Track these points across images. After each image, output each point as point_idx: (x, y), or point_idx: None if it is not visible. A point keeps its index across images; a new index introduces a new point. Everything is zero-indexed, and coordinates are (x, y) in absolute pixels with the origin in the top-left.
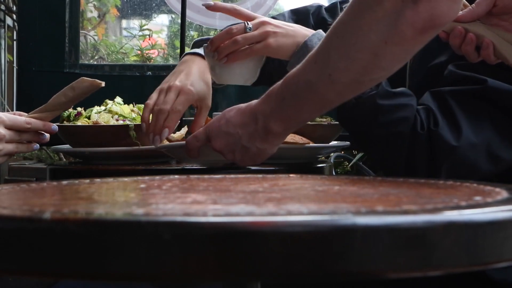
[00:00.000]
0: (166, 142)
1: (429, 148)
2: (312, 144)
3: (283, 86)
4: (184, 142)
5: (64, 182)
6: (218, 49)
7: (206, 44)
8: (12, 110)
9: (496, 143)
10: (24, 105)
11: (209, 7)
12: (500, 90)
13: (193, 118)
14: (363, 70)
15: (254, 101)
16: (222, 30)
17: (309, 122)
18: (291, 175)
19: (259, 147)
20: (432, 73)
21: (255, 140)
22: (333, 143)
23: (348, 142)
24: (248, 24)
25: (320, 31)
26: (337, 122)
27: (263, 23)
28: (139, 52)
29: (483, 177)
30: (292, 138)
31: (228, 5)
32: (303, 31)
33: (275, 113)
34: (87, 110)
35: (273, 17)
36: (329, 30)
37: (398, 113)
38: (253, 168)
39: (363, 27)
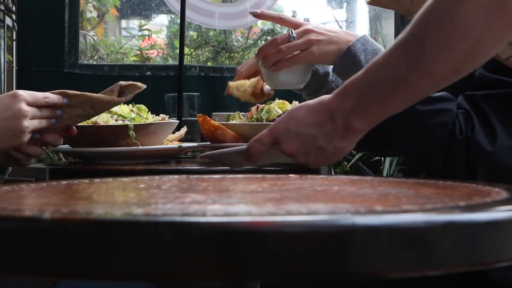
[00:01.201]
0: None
1: (466, 153)
2: None
3: (364, 81)
4: (238, 147)
5: (64, 182)
6: (265, 58)
7: (256, 52)
8: None
9: None
10: None
11: (255, 15)
12: None
13: (192, 118)
14: (465, 59)
15: (326, 97)
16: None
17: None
18: (290, 175)
19: (337, 146)
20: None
21: (333, 139)
22: None
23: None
24: (292, 33)
25: (365, 35)
26: None
27: (307, 31)
28: (138, 52)
29: None
30: None
31: (274, 13)
32: (347, 37)
33: (356, 110)
34: None
35: None
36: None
37: (437, 119)
38: (252, 168)
39: (464, 16)
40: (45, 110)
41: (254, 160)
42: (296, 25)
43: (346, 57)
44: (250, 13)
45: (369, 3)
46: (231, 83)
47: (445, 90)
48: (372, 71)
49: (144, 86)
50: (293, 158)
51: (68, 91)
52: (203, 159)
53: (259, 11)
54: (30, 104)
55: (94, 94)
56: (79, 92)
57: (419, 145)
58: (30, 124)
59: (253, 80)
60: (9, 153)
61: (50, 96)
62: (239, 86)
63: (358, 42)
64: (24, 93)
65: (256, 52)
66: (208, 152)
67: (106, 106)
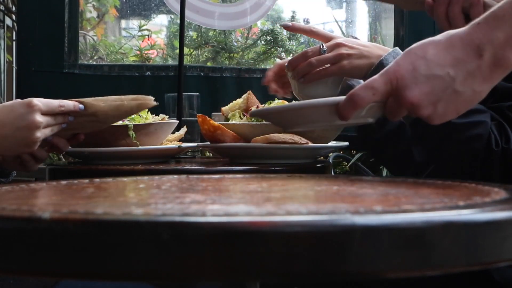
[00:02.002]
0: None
1: (503, 164)
2: (311, 144)
3: None
4: (330, 99)
5: (64, 182)
6: (295, 70)
7: (286, 64)
8: None
9: None
10: None
11: (287, 27)
12: None
13: (192, 118)
14: None
15: (461, 31)
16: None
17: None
18: (290, 175)
19: (476, 90)
20: None
21: (475, 80)
22: (332, 143)
23: (347, 143)
24: (323, 46)
25: (396, 48)
26: None
27: (338, 45)
28: (138, 52)
29: None
30: (291, 138)
31: (305, 26)
32: (378, 51)
33: (510, 41)
34: None
35: None
36: None
37: (472, 131)
38: (251, 168)
39: None
40: (59, 118)
41: (351, 115)
42: (327, 38)
43: (378, 71)
44: (281, 25)
45: None
46: (224, 108)
47: None
48: None
49: (154, 103)
50: (415, 110)
51: (85, 100)
52: (202, 159)
53: (290, 23)
54: (44, 113)
55: (106, 106)
56: (95, 102)
57: (455, 157)
58: (42, 133)
59: (244, 96)
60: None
61: (66, 104)
62: (232, 106)
63: (390, 56)
64: (39, 103)
65: (287, 64)
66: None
67: (116, 118)
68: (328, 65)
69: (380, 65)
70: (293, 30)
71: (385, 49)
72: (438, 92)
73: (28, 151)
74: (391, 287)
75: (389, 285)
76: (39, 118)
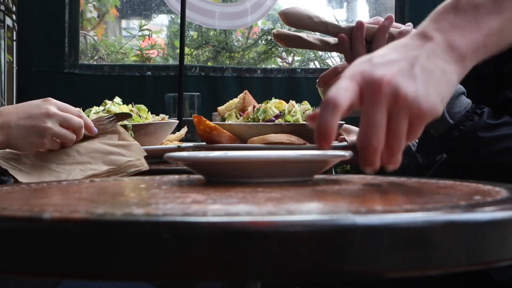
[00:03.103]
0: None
1: None
2: (308, 145)
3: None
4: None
5: (64, 182)
6: (327, 86)
7: (317, 80)
8: None
9: None
10: None
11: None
12: None
13: (191, 118)
14: None
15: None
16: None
17: (305, 122)
18: None
19: (445, 69)
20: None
21: (437, 57)
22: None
23: (346, 143)
24: None
25: None
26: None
27: None
28: (138, 52)
29: None
30: (288, 138)
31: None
32: None
33: (459, 27)
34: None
35: None
36: None
37: (499, 145)
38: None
39: None
40: (73, 123)
41: (327, 146)
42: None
43: None
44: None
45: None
46: (220, 108)
47: (474, 85)
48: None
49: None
50: (395, 92)
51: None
52: None
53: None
54: (60, 109)
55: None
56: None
57: (484, 171)
58: (54, 126)
59: (241, 96)
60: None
61: (84, 116)
62: (229, 106)
63: None
64: (57, 101)
65: (318, 80)
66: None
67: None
68: None
69: None
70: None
71: None
72: (407, 69)
73: (39, 142)
74: (392, 287)
75: (389, 285)
76: (53, 109)
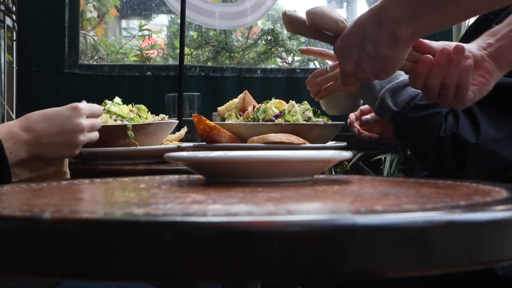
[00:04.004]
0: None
1: (454, 149)
2: (308, 145)
3: None
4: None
5: (64, 182)
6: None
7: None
8: (12, 111)
9: None
10: (23, 106)
11: (302, 51)
12: None
13: (191, 118)
14: None
15: (379, 1)
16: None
17: (305, 122)
18: None
19: (386, 54)
20: None
21: (379, 45)
22: (330, 143)
23: (345, 143)
24: (327, 67)
25: None
26: (334, 122)
27: (337, 65)
28: (138, 52)
29: None
30: (288, 138)
31: (317, 49)
32: None
33: (406, 19)
34: None
35: None
36: None
37: (427, 122)
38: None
39: None
40: (98, 126)
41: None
42: (335, 58)
43: (366, 87)
44: (299, 50)
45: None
46: (220, 108)
47: None
48: None
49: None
50: (356, 76)
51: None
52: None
53: (305, 48)
54: (88, 117)
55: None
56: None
57: (416, 148)
58: (86, 137)
59: (241, 96)
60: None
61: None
62: (229, 106)
63: None
64: (85, 106)
65: (311, 90)
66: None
67: None
68: (332, 83)
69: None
70: (307, 53)
71: None
72: (357, 58)
73: (70, 155)
74: (392, 287)
75: (389, 285)
76: (84, 121)
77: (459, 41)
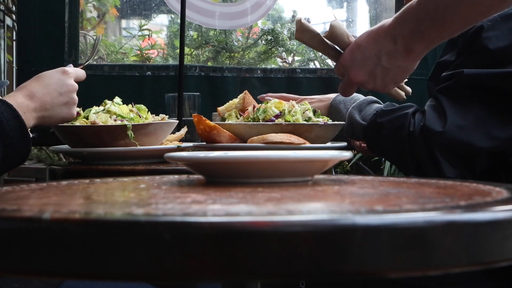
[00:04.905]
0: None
1: (423, 141)
2: (308, 145)
3: (419, 8)
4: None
5: (64, 182)
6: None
7: None
8: None
9: (488, 121)
10: None
11: (262, 98)
12: (477, 75)
13: (191, 118)
14: None
15: (386, 22)
16: None
17: (305, 122)
18: None
19: (401, 66)
20: (438, 67)
21: (396, 59)
22: (330, 143)
23: (345, 143)
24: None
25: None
26: (334, 122)
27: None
28: (138, 52)
29: (486, 155)
30: (288, 138)
31: (276, 94)
32: (328, 98)
33: (415, 34)
34: (86, 111)
35: None
36: None
37: (395, 123)
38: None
39: None
40: (82, 78)
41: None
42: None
43: (333, 110)
44: (259, 97)
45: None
46: (220, 108)
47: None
48: (424, 0)
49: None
50: (363, 86)
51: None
52: None
53: (264, 95)
54: (75, 80)
55: None
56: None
57: (389, 150)
58: (76, 96)
59: (241, 96)
60: None
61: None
62: (228, 106)
63: (339, 96)
64: (72, 70)
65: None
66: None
67: None
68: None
69: (332, 105)
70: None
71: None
72: (371, 69)
73: (69, 116)
74: (393, 287)
75: (389, 285)
76: (75, 83)
77: (444, 48)
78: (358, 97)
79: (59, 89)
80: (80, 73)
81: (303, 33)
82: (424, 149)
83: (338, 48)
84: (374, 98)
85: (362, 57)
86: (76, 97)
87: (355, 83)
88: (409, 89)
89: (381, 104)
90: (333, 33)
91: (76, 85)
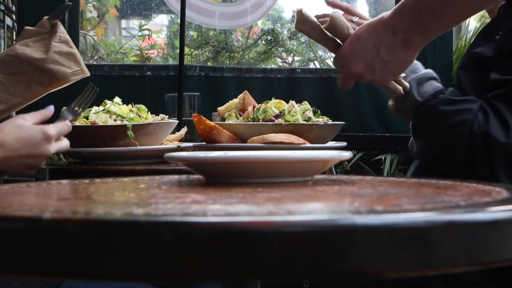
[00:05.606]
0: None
1: (484, 147)
2: (308, 145)
3: (417, 0)
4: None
5: (64, 182)
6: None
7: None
8: None
9: None
10: None
11: (328, 2)
12: None
13: (191, 119)
14: None
15: (385, 15)
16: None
17: (305, 122)
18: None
19: (400, 58)
20: (471, 58)
21: (395, 51)
22: (330, 143)
23: (345, 143)
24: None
25: None
26: (334, 122)
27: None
28: (138, 52)
29: None
30: (288, 138)
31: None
32: None
33: (414, 26)
34: (86, 111)
35: None
36: None
37: (458, 117)
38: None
39: None
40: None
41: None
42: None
43: None
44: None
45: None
46: (220, 108)
47: (477, 70)
48: None
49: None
50: (361, 77)
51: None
52: None
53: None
54: (57, 138)
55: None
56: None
57: (442, 141)
58: (46, 160)
59: (240, 96)
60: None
61: (69, 126)
62: (228, 106)
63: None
64: (54, 132)
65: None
66: None
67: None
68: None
69: None
70: (332, 5)
71: None
72: (370, 61)
73: (30, 174)
74: (393, 287)
75: (390, 285)
76: (52, 148)
77: (470, 46)
78: (418, 65)
79: (31, 151)
80: (64, 130)
81: (304, 23)
82: (484, 155)
83: (338, 40)
84: (433, 73)
85: (361, 49)
86: (43, 163)
87: (354, 74)
88: (407, 84)
89: (438, 81)
90: (333, 24)
91: (51, 151)
